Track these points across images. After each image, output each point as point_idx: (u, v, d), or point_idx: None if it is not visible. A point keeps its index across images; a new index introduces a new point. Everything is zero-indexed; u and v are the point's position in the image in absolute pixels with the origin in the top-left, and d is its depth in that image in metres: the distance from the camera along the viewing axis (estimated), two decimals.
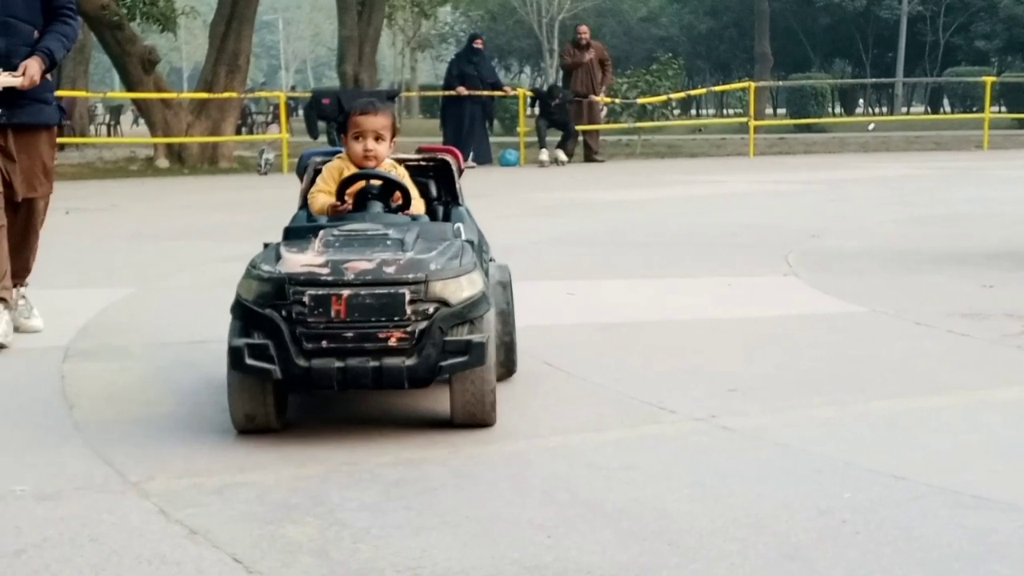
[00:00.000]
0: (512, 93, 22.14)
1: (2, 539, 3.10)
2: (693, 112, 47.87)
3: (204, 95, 19.66)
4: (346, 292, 3.73)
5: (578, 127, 20.23)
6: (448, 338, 3.79)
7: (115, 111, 35.57)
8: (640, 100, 22.98)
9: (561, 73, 20.41)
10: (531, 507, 3.29)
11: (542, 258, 8.45)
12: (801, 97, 33.02)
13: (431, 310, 3.78)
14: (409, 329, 3.75)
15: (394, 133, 4.54)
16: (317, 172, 4.67)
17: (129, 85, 20.04)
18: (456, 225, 4.36)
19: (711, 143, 25.77)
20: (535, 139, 20.28)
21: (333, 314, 3.71)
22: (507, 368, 4.58)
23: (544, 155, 19.56)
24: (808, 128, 30.98)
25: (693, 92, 33.42)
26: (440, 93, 21.45)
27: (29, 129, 5.71)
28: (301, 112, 25.02)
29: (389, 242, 3.96)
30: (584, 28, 21.22)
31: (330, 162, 4.61)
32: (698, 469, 3.63)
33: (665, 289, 7.14)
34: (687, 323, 6.04)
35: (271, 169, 18.40)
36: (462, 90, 19.63)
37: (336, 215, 4.37)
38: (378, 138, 4.49)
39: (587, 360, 5.13)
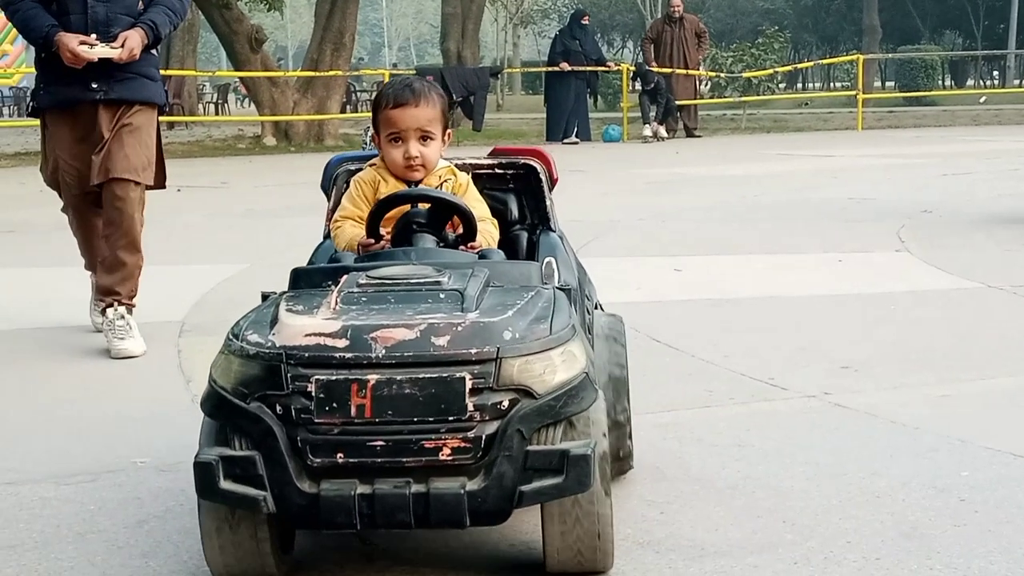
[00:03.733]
0: (616, 68, 22.05)
1: (124, 510, 3.17)
2: (799, 86, 47.25)
3: (310, 73, 19.87)
4: (374, 377, 2.36)
5: (679, 102, 20.07)
6: (533, 447, 2.43)
7: (222, 90, 36.09)
8: (745, 74, 22.76)
9: (642, 51, 20.17)
10: (642, 483, 3.28)
11: (648, 234, 8.41)
12: (910, 70, 32.50)
13: (505, 404, 2.41)
14: (472, 434, 2.38)
15: (446, 125, 3.19)
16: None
17: (236, 64, 20.31)
18: (546, 261, 3.05)
19: (818, 117, 25.44)
20: (638, 114, 20.19)
21: (354, 411, 2.36)
22: (617, 461, 3.14)
23: (647, 130, 19.48)
24: (918, 101, 30.46)
25: (800, 65, 33.06)
26: (543, 69, 21.43)
27: (128, 106, 5.10)
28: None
29: (442, 295, 2.57)
30: (677, 2, 20.85)
31: (361, 173, 3.22)
32: (812, 447, 3.60)
33: (775, 265, 7.07)
34: (798, 299, 5.98)
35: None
36: (565, 66, 19.61)
37: (369, 254, 2.99)
38: (424, 137, 3.12)
39: (696, 336, 5.11)
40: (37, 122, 5.38)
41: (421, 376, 2.38)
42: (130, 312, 5.11)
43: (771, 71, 23.47)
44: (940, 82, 38.20)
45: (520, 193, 3.48)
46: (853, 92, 25.30)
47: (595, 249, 7.34)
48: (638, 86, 20.22)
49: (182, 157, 16.82)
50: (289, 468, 2.40)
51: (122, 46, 4.98)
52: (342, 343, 2.40)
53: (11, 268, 7.20)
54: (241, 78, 22.49)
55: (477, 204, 3.15)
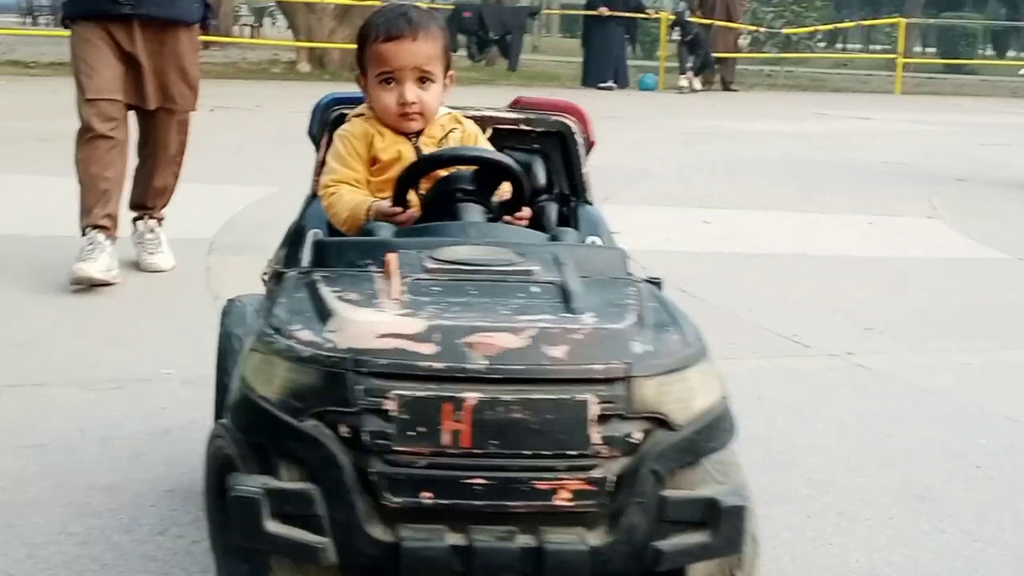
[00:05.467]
0: (655, 17, 21.90)
1: (148, 418, 3.22)
2: (839, 46, 46.87)
3: (348, 1, 19.78)
4: (473, 395, 1.79)
5: (716, 55, 19.94)
6: (671, 494, 1.87)
7: (259, 13, 35.96)
8: (785, 31, 22.58)
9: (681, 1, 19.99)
10: None
11: (678, 185, 8.40)
12: (951, 37, 32.19)
13: (638, 436, 1.85)
14: (596, 474, 1.83)
15: (448, 65, 2.60)
16: None
17: None
18: (620, 250, 2.36)
19: (856, 79, 25.24)
20: (675, 64, 20.07)
21: (447, 438, 1.80)
22: None
23: (683, 81, 19.37)
24: (957, 69, 30.16)
25: (840, 25, 32.71)
26: (582, 12, 21.29)
27: (162, 24, 4.83)
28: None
29: (536, 288, 2.02)
30: None
31: (347, 126, 2.60)
32: (831, 405, 3.62)
33: (805, 223, 7.06)
34: (826, 258, 5.99)
35: None
36: (604, 10, 19.48)
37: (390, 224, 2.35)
38: (423, 79, 2.53)
39: (722, 289, 5.12)
40: (69, 33, 5.04)
41: (534, 397, 1.80)
42: (160, 225, 5.13)
43: (812, 29, 23.29)
44: (981, 51, 37.84)
45: (548, 156, 2.81)
46: (893, 55, 25.07)
47: (626, 196, 7.32)
48: (676, 36, 20.11)
49: (216, 78, 16.79)
50: (357, 508, 1.81)
51: None
52: (429, 348, 1.82)
53: (43, 176, 7.23)
54: (278, 2, 22.41)
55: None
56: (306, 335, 1.87)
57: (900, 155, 10.94)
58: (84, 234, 4.70)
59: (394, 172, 2.46)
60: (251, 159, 8.81)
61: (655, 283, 2.22)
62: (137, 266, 5.02)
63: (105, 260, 4.61)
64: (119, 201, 4.84)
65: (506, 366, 1.81)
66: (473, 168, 2.40)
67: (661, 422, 1.86)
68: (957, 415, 3.57)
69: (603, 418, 1.81)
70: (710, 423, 1.92)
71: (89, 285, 4.56)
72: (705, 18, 19.88)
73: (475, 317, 1.88)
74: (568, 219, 2.68)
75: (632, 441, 1.83)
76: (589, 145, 2.82)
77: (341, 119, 2.65)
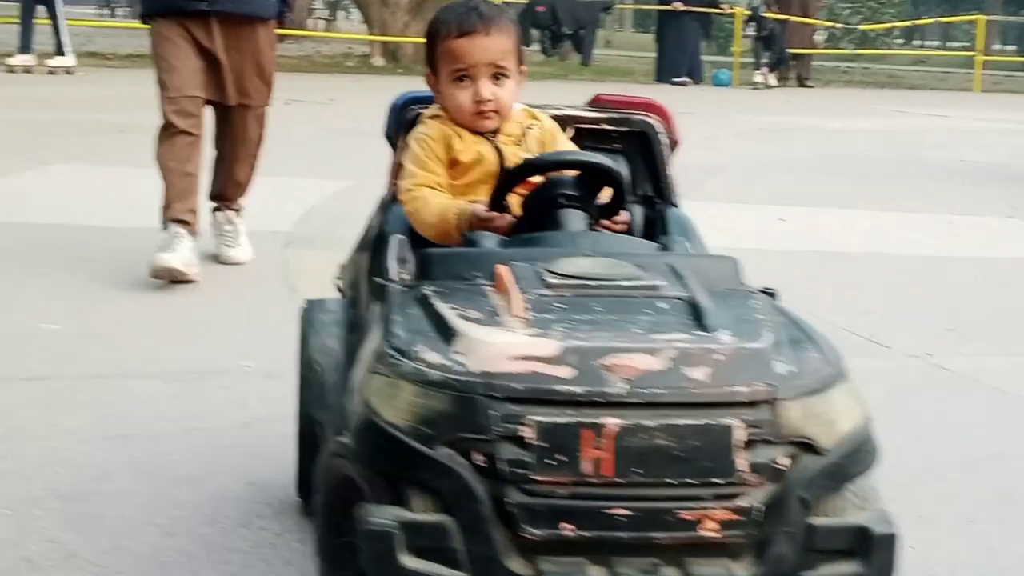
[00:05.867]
0: (729, 11, 21.77)
1: (229, 410, 3.26)
2: (916, 43, 46.33)
3: None
4: (614, 421, 1.73)
5: (792, 51, 19.77)
6: (819, 521, 1.82)
7: (333, 6, 36.21)
8: (862, 27, 22.35)
9: None
10: None
11: (754, 182, 8.35)
12: None
13: (784, 461, 1.79)
14: (743, 503, 1.77)
15: (521, 59, 2.52)
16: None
17: None
18: (732, 258, 2.27)
19: (934, 76, 24.94)
20: (750, 60, 19.94)
21: (588, 467, 1.73)
22: None
23: (758, 77, 19.24)
24: None
25: (919, 22, 32.31)
26: (657, 7, 21.21)
27: (239, 20, 4.84)
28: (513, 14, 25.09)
29: (664, 304, 1.94)
30: None
31: (423, 128, 2.50)
32: (911, 407, 3.58)
33: (883, 222, 6.98)
34: (905, 258, 5.92)
35: None
36: (679, 5, 19.38)
37: (511, 238, 2.28)
38: (498, 75, 2.46)
39: (799, 288, 5.03)
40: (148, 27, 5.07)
41: (678, 423, 1.73)
42: (239, 215, 5.18)
43: (889, 25, 23.04)
44: None
45: (631, 157, 2.69)
46: (971, 53, 24.75)
47: (699, 193, 7.26)
48: (751, 31, 19.98)
49: (291, 71, 16.91)
50: (495, 541, 1.74)
51: None
52: (567, 372, 1.75)
53: (122, 167, 7.33)
54: None
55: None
56: (433, 357, 1.79)
57: (979, 153, 10.79)
58: (165, 228, 4.74)
59: (476, 174, 2.41)
60: (325, 152, 8.87)
61: (770, 294, 2.15)
62: (216, 259, 5.06)
63: (186, 253, 4.64)
64: (199, 195, 4.89)
65: (648, 390, 1.74)
66: (575, 172, 2.30)
67: (807, 446, 1.79)
68: None
69: (748, 443, 1.75)
70: (856, 446, 1.85)
71: (169, 279, 4.59)
72: (781, 13, 19.71)
73: (609, 337, 1.80)
74: (654, 223, 2.60)
75: (778, 467, 1.77)
76: (673, 144, 2.73)
77: (418, 119, 2.56)
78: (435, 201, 2.36)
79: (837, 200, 7.69)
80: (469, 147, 2.43)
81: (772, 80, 19.37)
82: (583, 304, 1.90)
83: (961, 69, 26.28)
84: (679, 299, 1.93)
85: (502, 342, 1.79)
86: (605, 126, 2.70)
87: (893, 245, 6.26)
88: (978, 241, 6.50)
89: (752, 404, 1.76)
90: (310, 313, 2.60)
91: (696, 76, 19.56)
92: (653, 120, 2.71)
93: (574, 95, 2.91)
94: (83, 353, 3.76)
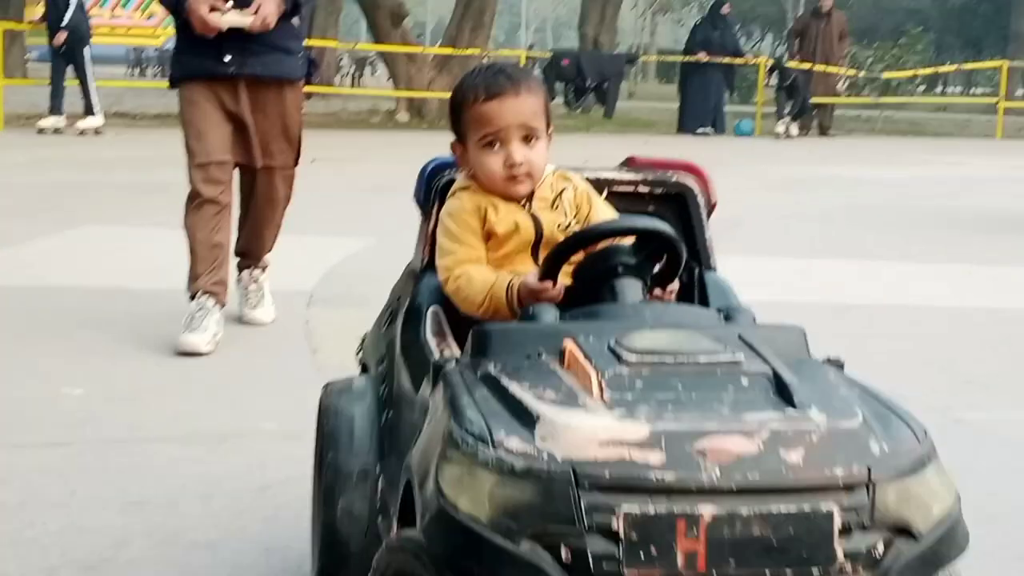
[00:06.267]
0: (753, 62, 21.85)
1: (249, 474, 3.28)
2: (939, 90, 46.35)
3: (448, 50, 20.01)
4: (709, 510, 1.62)
5: (814, 100, 19.79)
6: None
7: (360, 63, 36.51)
8: (885, 75, 22.36)
9: (787, 44, 19.79)
10: None
11: (775, 233, 8.37)
12: None
13: (880, 548, 1.68)
14: None
15: (549, 120, 2.40)
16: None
17: (377, 37, 20.55)
18: (799, 328, 2.15)
19: (955, 123, 24.93)
20: (772, 109, 19.98)
21: (681, 560, 1.62)
22: None
23: (780, 127, 19.27)
24: None
25: (941, 69, 32.27)
26: (680, 58, 21.31)
27: (267, 83, 4.83)
28: (539, 72, 25.27)
29: (745, 381, 1.82)
30: None
31: (455, 202, 2.38)
32: None
33: (902, 273, 6.99)
34: (924, 309, 5.92)
35: None
36: (703, 56, 19.48)
37: (537, 301, 2.14)
38: (528, 137, 2.33)
39: (818, 341, 5.05)
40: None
41: (775, 511, 1.62)
42: (264, 273, 5.19)
43: (912, 73, 23.04)
44: None
45: (666, 220, 2.45)
46: (995, 99, 24.71)
47: (721, 246, 7.29)
48: (773, 81, 20.02)
49: (317, 128, 17.07)
50: None
51: (255, 13, 4.63)
52: (658, 458, 1.63)
53: (148, 228, 7.41)
54: (380, 52, 22.73)
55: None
56: (515, 444, 1.66)
57: (1000, 201, 10.78)
58: (193, 299, 4.74)
59: (512, 244, 2.31)
60: (349, 209, 8.95)
61: (839, 365, 2.03)
62: (239, 319, 5.10)
63: (212, 328, 4.64)
64: (228, 265, 4.90)
65: (742, 476, 1.63)
66: (632, 239, 2.20)
67: (906, 531, 1.70)
68: None
69: (846, 530, 1.64)
70: (949, 529, 1.76)
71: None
72: (804, 62, 19.73)
73: (698, 418, 1.68)
74: (691, 288, 2.49)
75: (875, 555, 1.66)
76: (711, 207, 2.63)
77: (450, 185, 2.43)
78: (480, 278, 2.25)
79: (857, 251, 7.70)
80: (504, 217, 2.32)
81: (794, 130, 19.38)
82: (663, 382, 1.78)
83: (983, 115, 26.25)
84: (762, 375, 1.82)
85: (588, 426, 1.67)
86: (640, 188, 2.60)
87: (912, 296, 6.26)
88: (998, 291, 6.49)
89: (850, 488, 1.66)
90: (330, 401, 2.48)
91: (719, 126, 19.62)
92: (690, 182, 2.61)
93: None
94: (105, 417, 3.80)
